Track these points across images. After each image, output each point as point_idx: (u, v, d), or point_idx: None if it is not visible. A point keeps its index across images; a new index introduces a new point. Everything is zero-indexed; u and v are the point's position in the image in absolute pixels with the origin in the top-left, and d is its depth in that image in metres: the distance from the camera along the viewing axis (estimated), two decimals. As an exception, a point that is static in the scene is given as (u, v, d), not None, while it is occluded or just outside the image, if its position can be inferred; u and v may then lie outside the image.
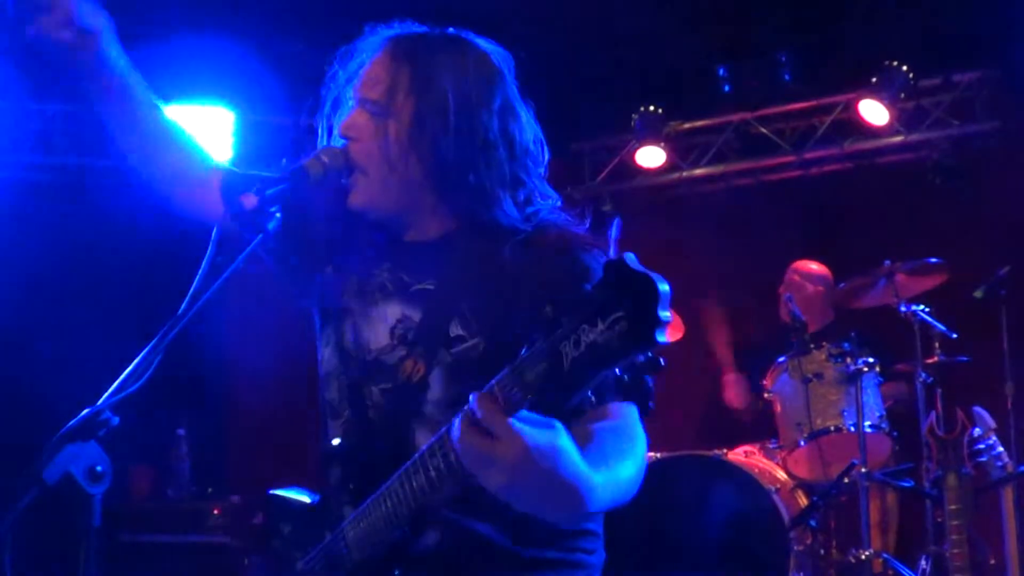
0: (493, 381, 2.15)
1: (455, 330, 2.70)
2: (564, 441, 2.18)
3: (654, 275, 1.91)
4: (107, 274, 8.56)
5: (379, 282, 2.85)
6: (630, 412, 2.53)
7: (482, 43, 2.88)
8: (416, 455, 2.41)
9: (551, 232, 2.76)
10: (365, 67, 2.82)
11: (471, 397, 2.15)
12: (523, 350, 2.10)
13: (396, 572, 2.64)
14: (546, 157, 2.88)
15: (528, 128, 2.85)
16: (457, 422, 2.18)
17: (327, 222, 2.95)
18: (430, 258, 2.80)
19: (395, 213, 2.84)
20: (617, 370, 2.01)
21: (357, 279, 2.89)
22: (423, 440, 2.60)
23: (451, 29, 2.88)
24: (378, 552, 2.63)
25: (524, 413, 2.12)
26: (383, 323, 2.82)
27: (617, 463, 2.41)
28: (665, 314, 1.88)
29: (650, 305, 1.89)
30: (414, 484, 2.41)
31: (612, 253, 2.71)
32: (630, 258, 1.95)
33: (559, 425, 2.17)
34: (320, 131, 2.93)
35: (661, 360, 2.05)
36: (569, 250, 2.69)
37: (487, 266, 2.72)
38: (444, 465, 2.31)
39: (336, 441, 2.86)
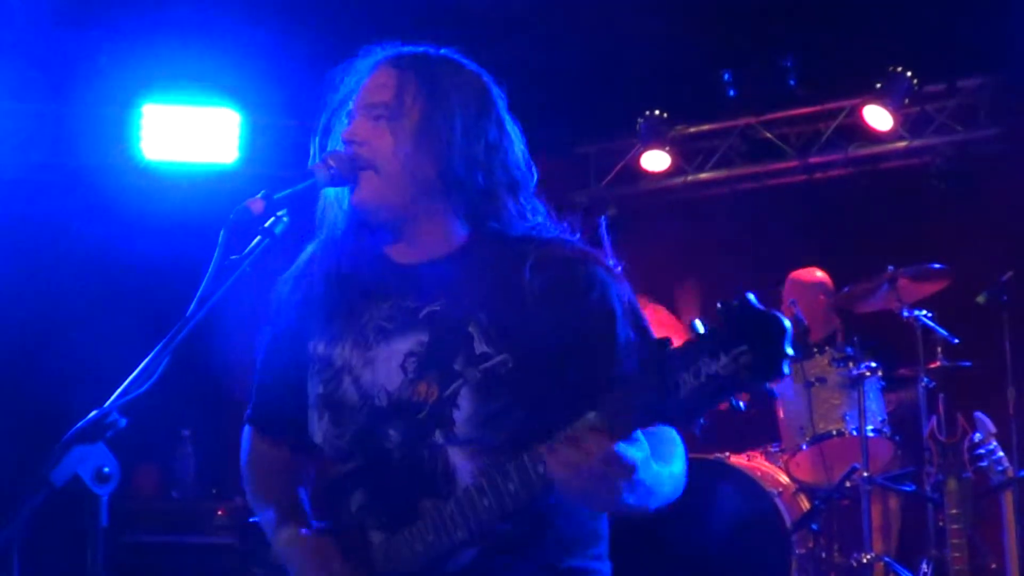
0: (596, 409, 2.31)
1: (480, 347, 2.70)
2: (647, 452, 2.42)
3: (778, 312, 2.09)
4: (121, 275, 8.57)
5: (376, 325, 2.82)
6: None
7: (469, 62, 2.94)
8: (479, 480, 2.55)
9: (562, 249, 2.80)
10: (365, 81, 2.83)
11: (580, 432, 2.32)
12: (629, 379, 2.28)
13: None
14: (535, 176, 2.92)
15: (519, 142, 2.91)
16: (555, 455, 2.36)
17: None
18: (437, 277, 2.80)
19: (403, 215, 2.81)
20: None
21: (350, 331, 2.86)
22: (458, 460, 2.68)
23: (442, 49, 2.93)
24: (413, 570, 2.66)
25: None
26: (391, 362, 2.78)
27: (669, 461, 2.66)
28: (791, 350, 2.08)
29: (776, 340, 2.07)
30: (480, 505, 2.54)
31: (611, 261, 2.77)
32: (751, 297, 2.12)
33: (641, 437, 2.38)
34: (314, 153, 2.93)
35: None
36: (588, 268, 2.75)
37: (503, 281, 2.74)
38: (523, 490, 2.48)
39: (349, 467, 2.83)
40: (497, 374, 2.68)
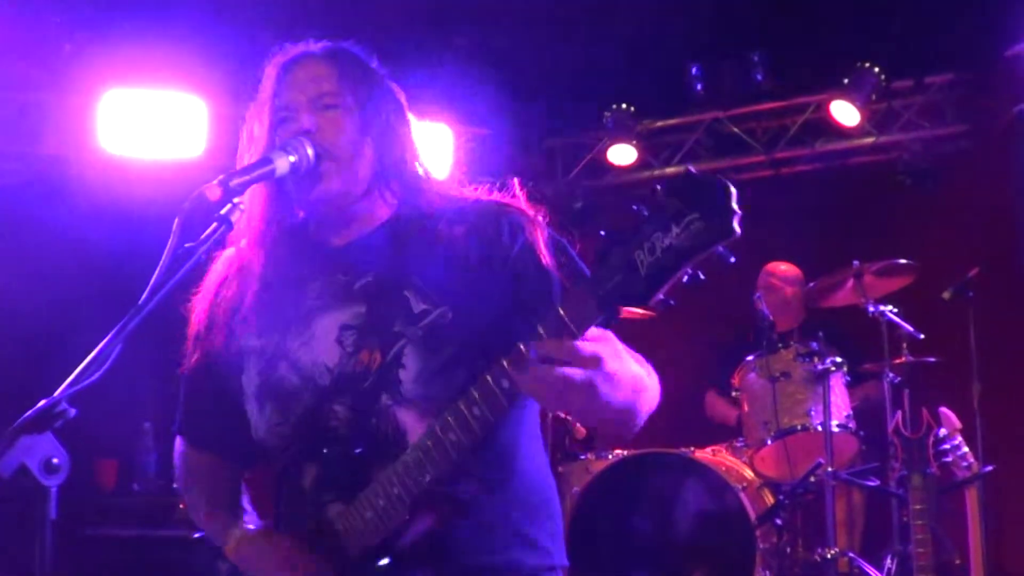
0: (556, 304, 2.30)
1: (417, 306, 2.73)
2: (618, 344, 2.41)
3: (718, 177, 2.13)
4: (93, 268, 8.50)
5: (307, 305, 2.84)
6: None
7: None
8: (443, 417, 2.49)
9: (479, 202, 2.88)
10: (294, 77, 2.88)
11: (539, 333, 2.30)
12: (587, 272, 2.29)
13: (388, 560, 2.65)
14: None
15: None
16: (519, 365, 2.32)
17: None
18: (366, 252, 2.85)
19: (349, 204, 2.86)
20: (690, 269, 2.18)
21: (282, 318, 2.86)
22: (407, 420, 2.68)
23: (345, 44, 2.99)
24: (374, 540, 2.64)
25: None
26: (326, 337, 2.80)
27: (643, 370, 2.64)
28: (736, 205, 2.12)
29: (722, 200, 2.12)
30: (448, 441, 2.49)
31: (530, 212, 2.81)
32: (691, 169, 2.18)
33: (611, 335, 2.38)
34: (244, 145, 2.95)
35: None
36: (502, 213, 2.82)
37: (429, 240, 2.80)
38: (488, 411, 2.43)
39: (295, 449, 2.83)
40: (438, 327, 2.72)
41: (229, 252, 2.96)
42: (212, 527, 3.00)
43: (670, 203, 2.15)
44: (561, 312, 2.28)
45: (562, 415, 7.80)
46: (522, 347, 2.32)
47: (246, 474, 3.10)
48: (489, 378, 2.41)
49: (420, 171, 2.92)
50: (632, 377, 2.45)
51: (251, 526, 2.91)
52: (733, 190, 2.13)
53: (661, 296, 2.20)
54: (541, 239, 2.73)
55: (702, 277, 2.19)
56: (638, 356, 2.64)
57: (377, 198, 2.88)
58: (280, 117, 2.86)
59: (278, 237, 2.90)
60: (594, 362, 2.28)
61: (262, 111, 2.91)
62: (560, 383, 2.28)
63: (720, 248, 2.14)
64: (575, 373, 2.27)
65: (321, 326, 2.80)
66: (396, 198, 2.89)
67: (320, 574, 2.71)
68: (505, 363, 2.36)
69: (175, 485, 3.17)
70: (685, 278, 2.19)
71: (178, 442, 3.14)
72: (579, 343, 2.27)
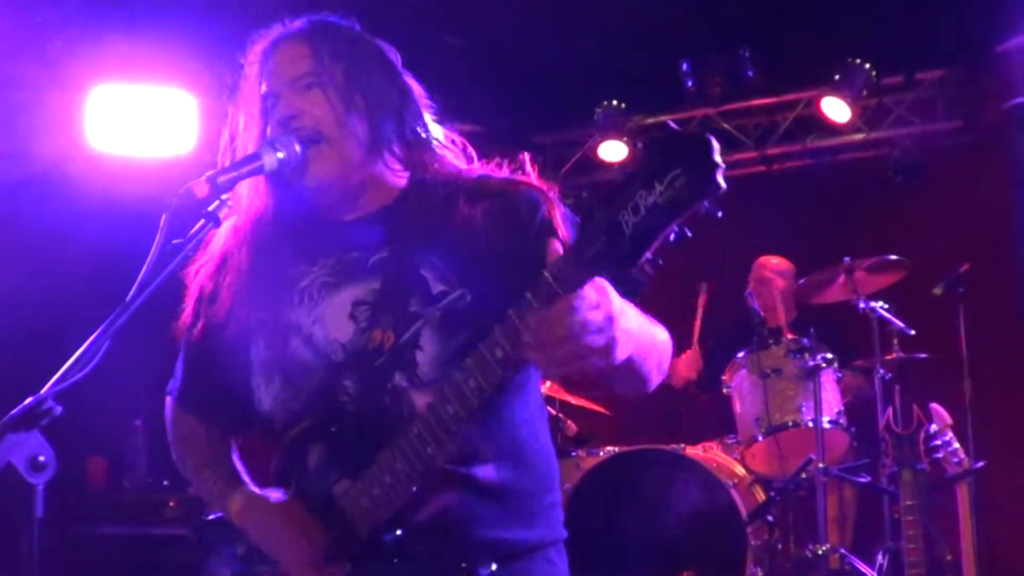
0: (545, 269, 2.28)
1: (436, 287, 2.71)
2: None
3: (699, 132, 2.14)
4: (81, 263, 8.47)
5: (320, 281, 2.82)
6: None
7: (353, 23, 2.97)
8: (442, 390, 2.49)
9: (493, 180, 2.84)
10: (271, 64, 2.84)
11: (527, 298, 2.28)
12: (576, 236, 2.24)
13: (399, 532, 2.64)
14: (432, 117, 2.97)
15: (416, 88, 2.95)
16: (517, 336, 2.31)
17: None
18: (380, 227, 2.82)
19: (351, 181, 2.81)
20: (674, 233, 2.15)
21: (293, 293, 2.84)
22: (421, 403, 2.63)
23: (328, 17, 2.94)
24: (383, 516, 2.63)
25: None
26: (340, 313, 2.77)
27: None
28: (719, 159, 2.09)
29: (704, 154, 2.09)
30: (445, 414, 2.48)
31: (544, 188, 2.78)
32: (671, 125, 2.16)
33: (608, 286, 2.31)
34: (225, 143, 2.94)
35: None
36: (519, 190, 2.78)
37: (445, 220, 2.76)
38: (484, 382, 2.42)
39: (303, 426, 2.80)
40: (456, 309, 2.69)
41: (233, 221, 2.91)
42: (203, 485, 3.01)
43: (652, 161, 2.13)
44: (549, 278, 2.26)
45: (552, 412, 7.81)
46: (513, 317, 2.31)
47: (237, 440, 3.09)
48: (483, 348, 2.40)
49: (423, 133, 2.87)
50: (636, 327, 2.43)
51: (256, 490, 2.88)
52: (715, 144, 2.10)
53: (649, 256, 2.18)
54: (558, 216, 2.70)
55: (689, 235, 2.17)
56: (646, 317, 2.62)
57: (382, 167, 2.82)
58: (266, 108, 2.83)
59: (284, 214, 2.87)
60: (596, 316, 2.26)
61: (250, 103, 2.88)
62: (561, 347, 2.27)
63: (706, 204, 2.11)
64: (573, 333, 2.24)
65: (334, 302, 2.78)
66: (402, 164, 2.85)
67: (333, 548, 2.69)
68: (499, 334, 2.35)
69: (171, 450, 3.13)
70: (672, 237, 2.16)
71: (169, 402, 3.12)
72: (575, 302, 2.24)
